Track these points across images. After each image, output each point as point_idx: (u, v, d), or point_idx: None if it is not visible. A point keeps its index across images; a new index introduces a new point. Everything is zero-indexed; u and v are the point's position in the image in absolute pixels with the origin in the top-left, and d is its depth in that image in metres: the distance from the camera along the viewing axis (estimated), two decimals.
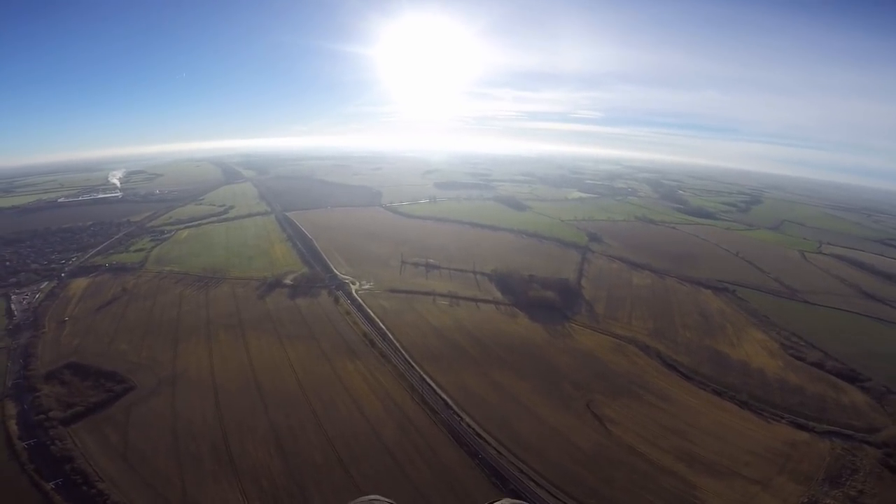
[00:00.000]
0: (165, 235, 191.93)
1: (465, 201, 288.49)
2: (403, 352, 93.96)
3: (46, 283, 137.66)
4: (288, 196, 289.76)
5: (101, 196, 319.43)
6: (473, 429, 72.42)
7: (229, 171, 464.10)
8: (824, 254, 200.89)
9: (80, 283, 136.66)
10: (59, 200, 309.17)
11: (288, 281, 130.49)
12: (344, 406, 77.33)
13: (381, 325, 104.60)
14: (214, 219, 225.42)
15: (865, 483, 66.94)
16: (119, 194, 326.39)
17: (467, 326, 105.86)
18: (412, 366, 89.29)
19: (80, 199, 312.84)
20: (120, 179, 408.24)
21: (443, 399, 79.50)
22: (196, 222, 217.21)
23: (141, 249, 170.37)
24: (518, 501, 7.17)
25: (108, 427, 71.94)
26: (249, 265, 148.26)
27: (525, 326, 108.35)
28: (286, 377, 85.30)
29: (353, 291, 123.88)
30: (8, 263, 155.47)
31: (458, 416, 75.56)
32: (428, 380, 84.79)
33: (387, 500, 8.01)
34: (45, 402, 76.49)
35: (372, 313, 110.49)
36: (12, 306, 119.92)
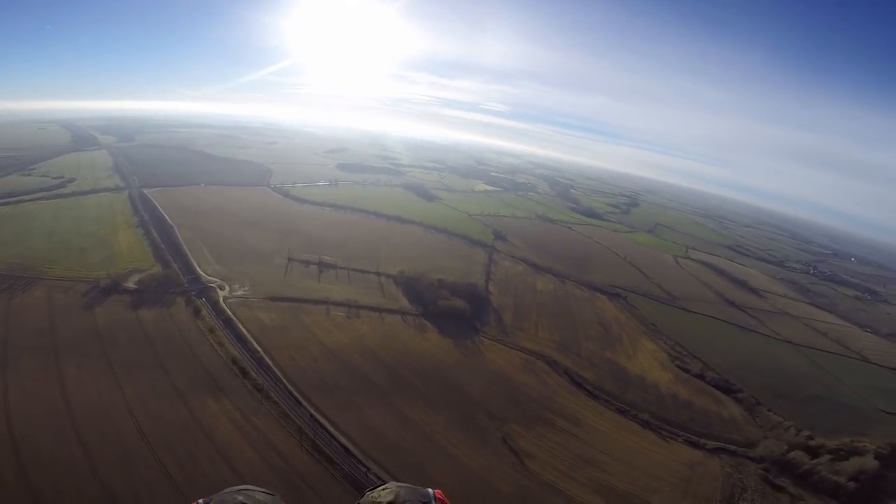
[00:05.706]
0: None
1: (371, 187, 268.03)
2: (287, 383, 76.66)
3: None
4: (152, 169, 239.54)
5: None
6: (384, 481, 59.92)
7: (82, 137, 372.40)
8: (692, 259, 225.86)
9: None
10: None
11: (131, 284, 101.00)
12: (208, 462, 59.72)
13: (256, 346, 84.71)
14: (44, 194, 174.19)
15: (753, 501, 70.33)
16: None
17: (370, 345, 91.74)
18: (300, 402, 72.95)
19: None
20: None
21: (342, 445, 65.51)
22: (16, 198, 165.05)
23: None
24: (405, 485, 6.20)
25: None
26: (79, 260, 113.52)
27: (435, 343, 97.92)
28: (122, 425, 63.72)
29: (221, 300, 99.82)
30: None
31: (364, 465, 62.81)
32: (322, 420, 69.61)
33: (261, 489, 6.41)
34: None
35: (244, 330, 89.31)
36: None
